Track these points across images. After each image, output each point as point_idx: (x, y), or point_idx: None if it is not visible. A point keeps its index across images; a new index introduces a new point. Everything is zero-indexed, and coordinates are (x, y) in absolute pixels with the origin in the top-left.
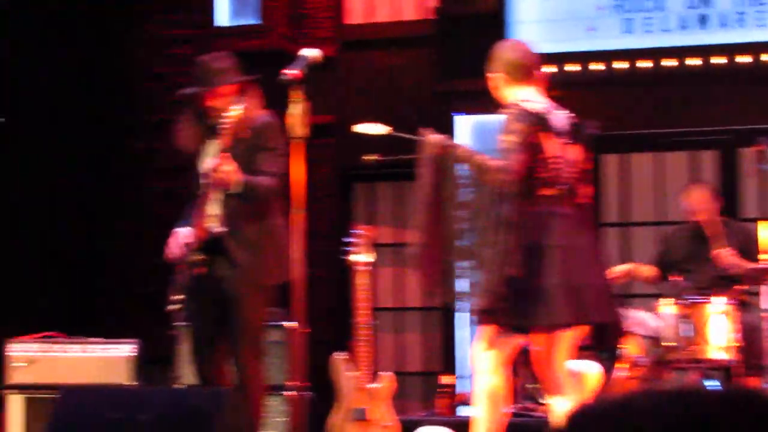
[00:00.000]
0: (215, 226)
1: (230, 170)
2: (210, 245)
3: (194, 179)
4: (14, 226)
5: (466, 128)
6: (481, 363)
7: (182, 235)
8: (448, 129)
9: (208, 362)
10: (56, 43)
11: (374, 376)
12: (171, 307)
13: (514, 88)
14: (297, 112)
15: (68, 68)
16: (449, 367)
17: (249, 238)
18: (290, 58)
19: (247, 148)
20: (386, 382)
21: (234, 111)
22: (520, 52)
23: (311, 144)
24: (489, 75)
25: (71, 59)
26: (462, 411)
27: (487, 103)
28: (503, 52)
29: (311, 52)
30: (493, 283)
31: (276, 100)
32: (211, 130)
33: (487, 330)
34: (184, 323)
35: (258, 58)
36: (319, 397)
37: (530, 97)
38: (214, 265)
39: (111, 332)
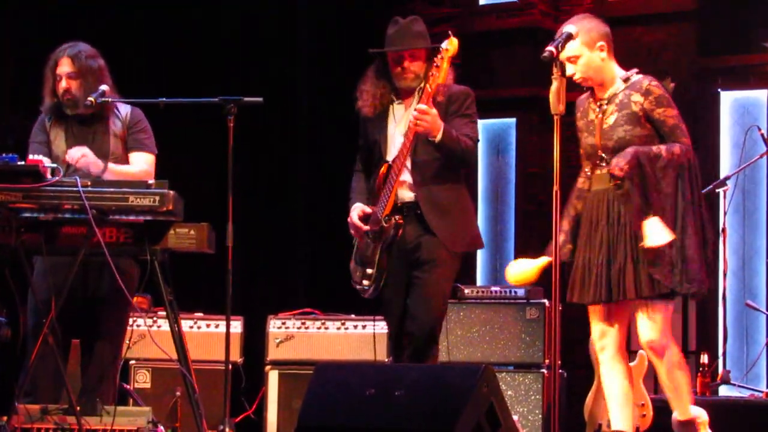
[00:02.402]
0: (407, 193)
1: (434, 115)
2: (402, 211)
3: (373, 145)
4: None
5: (727, 105)
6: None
7: (360, 210)
8: (712, 106)
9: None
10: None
11: (630, 355)
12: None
13: (612, 61)
14: (555, 88)
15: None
16: (710, 347)
17: (442, 204)
18: (548, 35)
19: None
20: (639, 361)
21: (435, 74)
22: (604, 25)
23: (569, 121)
24: (589, 49)
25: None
26: (722, 391)
27: (755, 80)
28: (599, 25)
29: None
30: (700, 265)
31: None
32: (396, 94)
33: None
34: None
35: (515, 35)
36: (576, 374)
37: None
38: (407, 230)
39: (363, 310)
